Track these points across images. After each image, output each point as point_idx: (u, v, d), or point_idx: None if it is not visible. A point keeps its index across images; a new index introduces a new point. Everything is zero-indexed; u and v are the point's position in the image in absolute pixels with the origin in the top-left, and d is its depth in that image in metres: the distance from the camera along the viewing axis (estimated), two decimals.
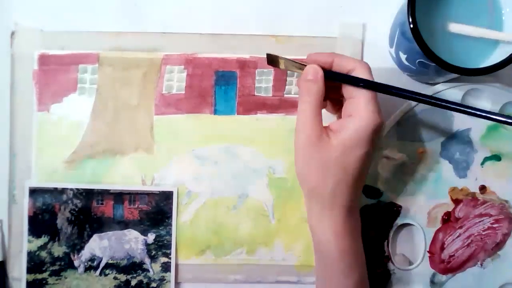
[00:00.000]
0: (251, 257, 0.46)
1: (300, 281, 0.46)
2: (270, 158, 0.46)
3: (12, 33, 0.45)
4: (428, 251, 0.45)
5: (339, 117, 0.40)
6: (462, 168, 0.45)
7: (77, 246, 0.45)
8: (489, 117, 0.36)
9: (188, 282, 0.46)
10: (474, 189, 0.45)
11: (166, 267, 0.45)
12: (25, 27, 0.45)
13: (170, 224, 0.45)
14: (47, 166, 0.45)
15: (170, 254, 0.45)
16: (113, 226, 0.45)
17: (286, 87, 0.46)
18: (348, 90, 0.37)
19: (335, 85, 0.38)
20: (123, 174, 0.45)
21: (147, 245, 0.45)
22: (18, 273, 0.45)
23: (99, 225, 0.45)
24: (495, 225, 0.45)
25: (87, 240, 0.45)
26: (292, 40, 0.45)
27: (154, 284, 0.45)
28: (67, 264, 0.45)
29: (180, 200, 0.45)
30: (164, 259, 0.45)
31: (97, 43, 0.45)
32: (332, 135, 0.36)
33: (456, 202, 0.45)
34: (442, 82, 0.44)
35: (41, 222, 0.45)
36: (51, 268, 0.45)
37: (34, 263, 0.45)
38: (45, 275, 0.45)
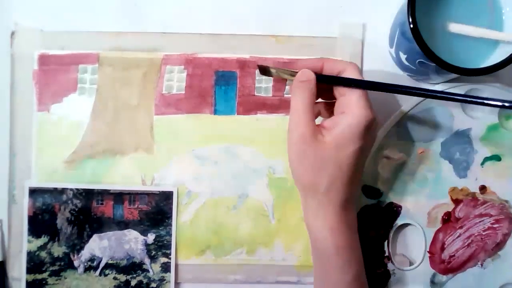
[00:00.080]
0: (251, 257, 0.46)
1: (300, 281, 0.46)
2: (270, 158, 0.46)
3: (12, 33, 0.45)
4: (428, 251, 0.45)
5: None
6: (462, 168, 0.45)
7: (77, 246, 0.45)
8: (484, 103, 0.36)
9: (188, 282, 0.46)
10: (474, 189, 0.45)
11: (166, 267, 0.45)
12: (25, 27, 0.45)
13: (170, 224, 0.45)
14: (47, 166, 0.45)
15: (170, 254, 0.45)
16: (113, 226, 0.45)
17: (286, 87, 0.45)
18: (340, 89, 0.38)
19: (325, 87, 0.39)
20: (123, 174, 0.45)
21: (147, 245, 0.45)
22: (18, 273, 0.45)
23: (99, 225, 0.45)
24: (495, 225, 0.45)
25: (87, 240, 0.45)
26: (292, 40, 0.45)
27: (154, 284, 0.45)
28: (67, 264, 0.45)
29: (180, 200, 0.45)
30: (164, 259, 0.45)
31: (97, 43, 0.45)
32: (325, 132, 0.37)
33: (456, 202, 0.45)
34: (442, 82, 0.44)
35: (41, 222, 0.45)
36: (51, 268, 0.45)
37: (34, 263, 0.45)
38: (45, 275, 0.45)
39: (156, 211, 0.45)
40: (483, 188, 0.45)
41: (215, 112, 0.46)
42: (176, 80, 0.45)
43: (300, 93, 0.38)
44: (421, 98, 0.44)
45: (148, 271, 0.45)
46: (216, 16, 0.46)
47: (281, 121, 0.45)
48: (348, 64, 0.38)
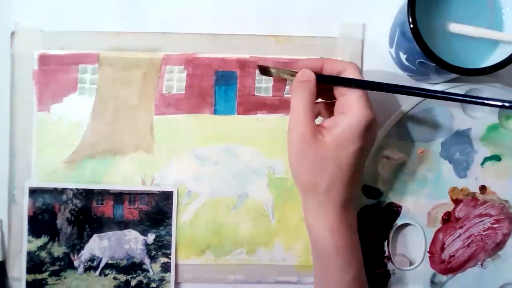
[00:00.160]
0: (251, 257, 0.46)
1: (300, 281, 0.46)
2: (270, 158, 0.46)
3: (12, 33, 0.45)
4: (428, 251, 0.45)
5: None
6: (462, 168, 0.45)
7: (77, 246, 0.45)
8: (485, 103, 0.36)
9: (188, 282, 0.46)
10: (474, 189, 0.45)
11: (166, 267, 0.45)
12: (25, 27, 0.45)
13: (170, 224, 0.45)
14: (47, 166, 0.45)
15: (170, 254, 0.45)
16: (113, 226, 0.45)
17: (286, 87, 0.45)
18: (340, 89, 0.38)
19: (325, 87, 0.39)
20: (123, 174, 0.45)
21: (147, 245, 0.45)
22: (18, 273, 0.45)
23: (99, 225, 0.45)
24: (495, 225, 0.45)
25: (87, 240, 0.45)
26: (292, 40, 0.45)
27: (154, 284, 0.45)
28: (67, 264, 0.45)
29: (180, 200, 0.45)
30: (164, 259, 0.45)
31: (97, 43, 0.45)
32: (325, 132, 0.37)
33: (456, 202, 0.45)
34: (442, 82, 0.44)
35: (41, 222, 0.45)
36: (51, 268, 0.45)
37: (34, 263, 0.45)
38: (45, 275, 0.45)
39: (156, 211, 0.45)
40: (483, 188, 0.45)
41: (215, 112, 0.46)
42: (176, 80, 0.45)
43: (300, 93, 0.38)
44: (421, 98, 0.44)
45: (148, 271, 0.45)
46: (216, 16, 0.46)
47: (281, 121, 0.45)
48: (348, 64, 0.38)
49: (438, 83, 0.45)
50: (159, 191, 0.45)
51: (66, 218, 0.45)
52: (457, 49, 0.40)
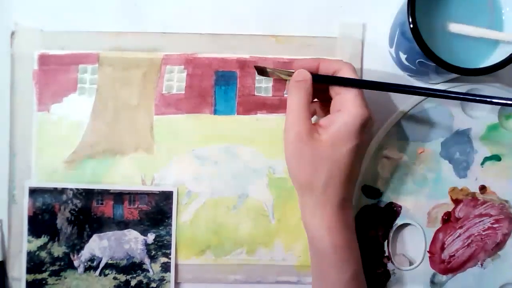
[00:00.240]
0: (251, 257, 0.46)
1: (300, 281, 0.46)
2: (270, 158, 0.46)
3: (12, 33, 0.45)
4: (428, 251, 0.45)
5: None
6: (462, 168, 0.45)
7: (76, 246, 0.45)
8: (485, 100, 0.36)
9: (188, 282, 0.46)
10: (474, 189, 0.45)
11: (166, 267, 0.45)
12: (25, 27, 0.45)
13: (170, 224, 0.45)
14: (47, 166, 0.45)
15: (170, 254, 0.45)
16: (113, 226, 0.45)
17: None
18: (335, 88, 0.38)
19: (321, 88, 0.39)
20: (123, 174, 0.45)
21: (147, 245, 0.45)
22: (18, 273, 0.45)
23: (99, 225, 0.45)
24: (495, 225, 0.45)
25: (87, 240, 0.45)
26: (292, 40, 0.45)
27: (153, 284, 0.45)
28: (66, 264, 0.45)
29: (180, 200, 0.45)
30: (164, 259, 0.45)
31: (97, 43, 0.45)
32: (322, 131, 0.37)
33: (456, 202, 0.45)
34: (442, 82, 0.45)
35: (41, 222, 0.45)
36: (50, 268, 0.45)
37: (34, 263, 0.45)
38: (44, 275, 0.45)
39: (156, 211, 0.45)
40: (483, 188, 0.45)
41: (215, 112, 0.46)
42: (176, 80, 0.45)
43: (296, 93, 0.38)
44: (421, 98, 0.44)
45: (148, 271, 0.45)
46: (216, 16, 0.46)
47: (281, 121, 0.45)
48: (344, 63, 0.38)
49: (438, 83, 0.45)
50: (159, 191, 0.45)
51: (66, 218, 0.45)
52: (457, 49, 0.40)
